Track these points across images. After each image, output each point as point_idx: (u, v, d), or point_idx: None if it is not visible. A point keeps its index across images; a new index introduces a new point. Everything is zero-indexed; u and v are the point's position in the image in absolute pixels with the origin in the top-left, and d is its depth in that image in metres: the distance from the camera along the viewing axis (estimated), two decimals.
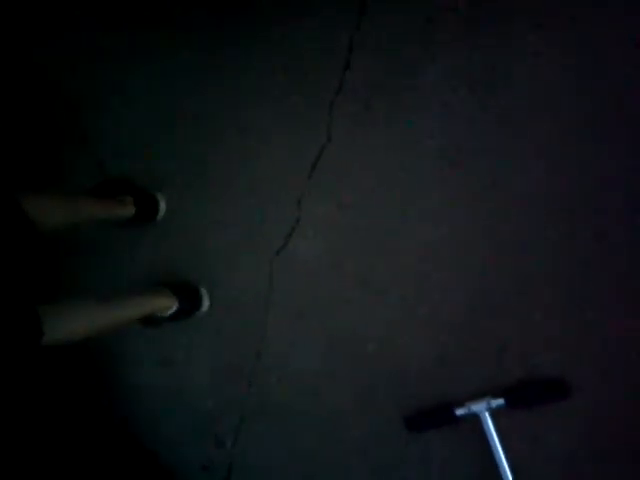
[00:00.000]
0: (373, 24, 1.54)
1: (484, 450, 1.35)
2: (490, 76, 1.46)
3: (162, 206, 1.67)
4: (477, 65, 1.47)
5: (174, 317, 1.53)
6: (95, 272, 1.74)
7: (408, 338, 1.49)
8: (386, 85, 1.53)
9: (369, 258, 1.53)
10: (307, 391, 1.57)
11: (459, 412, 1.37)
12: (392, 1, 1.53)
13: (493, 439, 1.34)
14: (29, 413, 1.56)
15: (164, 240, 1.68)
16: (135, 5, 1.73)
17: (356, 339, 1.53)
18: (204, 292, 1.62)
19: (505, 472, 1.32)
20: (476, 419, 1.36)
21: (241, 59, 1.65)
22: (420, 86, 1.50)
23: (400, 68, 1.52)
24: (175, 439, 1.68)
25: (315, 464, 1.57)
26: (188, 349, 1.67)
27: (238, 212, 1.63)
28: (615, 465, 1.36)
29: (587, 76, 1.40)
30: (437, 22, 1.50)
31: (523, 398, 1.36)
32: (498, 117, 1.45)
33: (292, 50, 1.60)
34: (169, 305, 1.50)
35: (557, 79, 1.42)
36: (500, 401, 1.35)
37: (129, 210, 1.56)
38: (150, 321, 1.51)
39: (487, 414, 1.35)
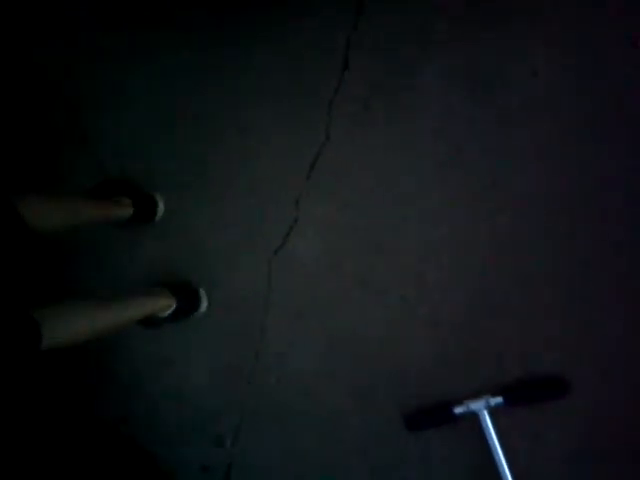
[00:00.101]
0: (371, 24, 1.54)
1: (483, 448, 1.35)
2: (489, 76, 1.46)
3: (160, 206, 1.66)
4: (476, 65, 1.47)
5: (173, 317, 1.53)
6: (94, 272, 1.74)
7: (408, 338, 1.49)
8: (385, 85, 1.53)
9: (368, 258, 1.52)
10: (306, 391, 1.57)
11: (458, 411, 1.38)
12: (390, 1, 1.53)
13: (492, 437, 1.34)
14: (27, 415, 1.56)
15: (163, 240, 1.68)
16: (135, 5, 1.73)
17: (356, 339, 1.53)
18: (203, 292, 1.62)
19: (504, 470, 1.32)
20: (475, 417, 1.37)
21: (241, 59, 1.65)
22: (419, 86, 1.50)
23: (399, 68, 1.52)
24: (174, 439, 1.68)
25: (315, 464, 1.57)
26: (187, 349, 1.66)
27: (237, 212, 1.63)
28: (615, 465, 1.36)
29: (587, 76, 1.40)
30: (435, 22, 1.50)
31: (521, 396, 1.37)
32: (498, 117, 1.45)
33: (292, 50, 1.60)
34: (168, 305, 1.50)
35: (557, 79, 1.42)
36: (499, 399, 1.35)
37: (127, 211, 1.56)
38: (150, 322, 1.51)
39: (486, 412, 1.35)
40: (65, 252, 1.75)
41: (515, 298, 1.43)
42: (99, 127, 1.77)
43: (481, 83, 1.46)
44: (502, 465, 1.33)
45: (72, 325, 1.18)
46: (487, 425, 1.35)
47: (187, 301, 1.57)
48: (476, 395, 1.38)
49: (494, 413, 1.36)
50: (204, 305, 1.62)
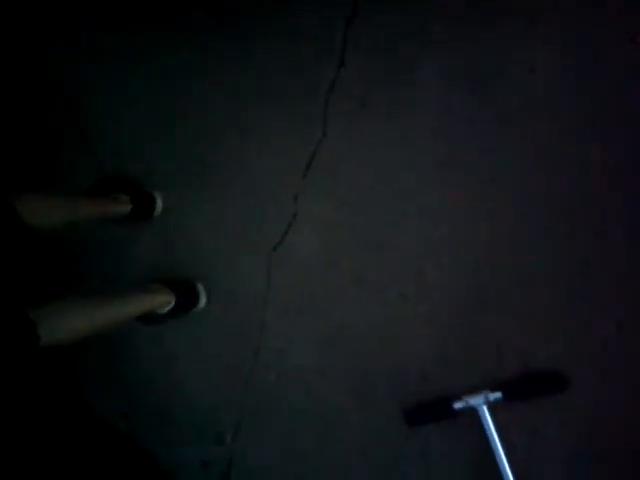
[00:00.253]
0: (370, 23, 1.53)
1: (483, 443, 1.36)
2: (489, 76, 1.46)
3: (159, 203, 1.67)
4: (476, 65, 1.47)
5: (172, 314, 1.53)
6: (93, 269, 1.75)
7: (407, 335, 1.49)
8: (384, 82, 1.53)
9: (366, 256, 1.53)
10: (306, 388, 1.57)
11: (457, 406, 1.38)
12: (390, 1, 1.53)
13: (491, 432, 1.35)
14: (27, 414, 1.56)
15: (162, 237, 1.69)
16: (135, 5, 1.73)
17: (355, 336, 1.53)
18: (201, 288, 1.62)
19: (503, 465, 1.33)
20: (474, 413, 1.37)
21: (241, 59, 1.65)
22: (418, 81, 1.50)
23: (398, 65, 1.52)
24: (175, 435, 1.68)
25: (315, 461, 1.57)
26: (187, 346, 1.67)
27: (235, 210, 1.63)
28: (615, 465, 1.36)
29: (587, 76, 1.40)
30: (434, 21, 1.49)
31: (520, 391, 1.37)
32: (498, 117, 1.45)
33: (291, 48, 1.60)
34: (167, 301, 1.51)
35: (557, 79, 1.42)
36: (497, 394, 1.36)
37: (125, 207, 1.56)
38: (149, 318, 1.51)
39: (485, 407, 1.36)
40: (63, 249, 1.75)
41: (515, 297, 1.43)
42: (99, 127, 1.77)
43: (481, 83, 1.46)
44: (501, 460, 1.33)
45: (71, 322, 1.18)
46: (486, 420, 1.36)
47: (186, 297, 1.57)
48: (475, 391, 1.39)
49: (493, 408, 1.36)
50: (203, 301, 1.62)
